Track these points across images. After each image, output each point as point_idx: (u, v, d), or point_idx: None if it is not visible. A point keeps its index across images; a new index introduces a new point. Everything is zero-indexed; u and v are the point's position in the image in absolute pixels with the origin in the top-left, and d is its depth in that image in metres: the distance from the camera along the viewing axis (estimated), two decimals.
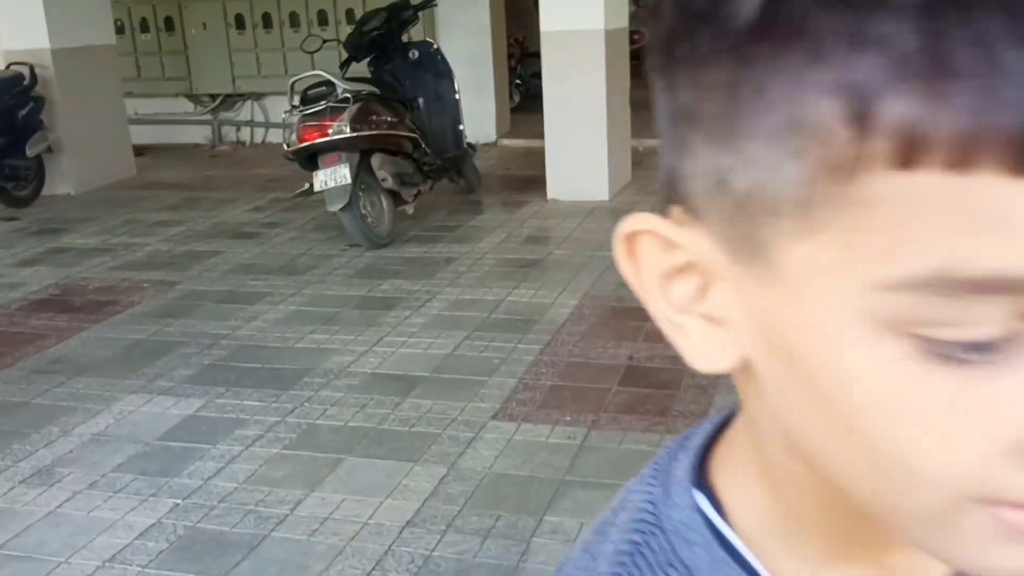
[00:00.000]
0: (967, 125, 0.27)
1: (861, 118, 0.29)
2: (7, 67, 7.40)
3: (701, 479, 0.43)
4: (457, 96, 6.53)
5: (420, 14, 6.70)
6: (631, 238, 0.37)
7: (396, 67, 6.39)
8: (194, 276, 5.43)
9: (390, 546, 2.75)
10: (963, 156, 0.28)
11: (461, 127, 6.55)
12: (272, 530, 2.87)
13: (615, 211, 6.38)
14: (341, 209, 5.43)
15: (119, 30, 9.08)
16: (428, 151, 6.17)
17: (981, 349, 0.30)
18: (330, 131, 5.40)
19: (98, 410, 3.74)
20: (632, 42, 7.42)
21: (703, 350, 0.37)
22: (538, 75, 7.08)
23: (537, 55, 7.06)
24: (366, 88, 5.94)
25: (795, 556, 0.41)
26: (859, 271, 0.30)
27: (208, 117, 10.08)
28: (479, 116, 8.66)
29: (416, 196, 6.14)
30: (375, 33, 6.33)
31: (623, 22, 6.96)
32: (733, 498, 0.43)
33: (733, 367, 0.37)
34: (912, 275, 0.29)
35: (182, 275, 5.46)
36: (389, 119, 5.83)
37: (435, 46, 6.67)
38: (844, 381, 0.32)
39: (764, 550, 0.41)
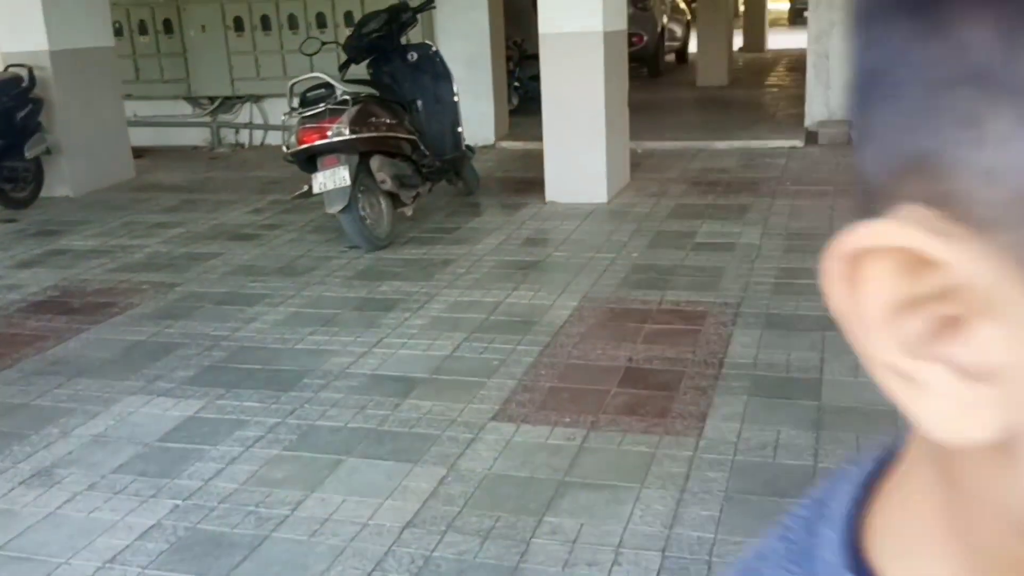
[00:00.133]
0: None
1: None
2: (6, 69, 7.40)
3: (857, 562, 0.33)
4: (456, 98, 6.54)
5: (419, 16, 6.71)
6: (859, 258, 0.27)
7: (395, 69, 6.39)
8: (193, 278, 5.43)
9: (390, 547, 2.76)
10: None
11: (460, 129, 6.56)
12: (272, 531, 2.87)
13: (613, 213, 6.40)
14: (340, 211, 5.44)
15: (118, 32, 9.08)
16: (427, 153, 6.17)
17: None
18: (329, 133, 5.40)
19: (98, 411, 3.74)
20: (630, 44, 7.43)
21: (949, 412, 0.27)
22: (536, 77, 7.08)
23: (535, 57, 7.08)
24: (365, 90, 5.96)
25: None
26: None
27: (207, 119, 10.09)
28: (478, 118, 8.67)
29: (415, 198, 6.14)
30: (374, 35, 6.33)
31: (621, 24, 6.98)
32: None
33: (990, 439, 0.26)
34: None
35: (181, 277, 5.46)
36: (388, 121, 5.83)
37: (434, 48, 6.68)
38: None
39: None
